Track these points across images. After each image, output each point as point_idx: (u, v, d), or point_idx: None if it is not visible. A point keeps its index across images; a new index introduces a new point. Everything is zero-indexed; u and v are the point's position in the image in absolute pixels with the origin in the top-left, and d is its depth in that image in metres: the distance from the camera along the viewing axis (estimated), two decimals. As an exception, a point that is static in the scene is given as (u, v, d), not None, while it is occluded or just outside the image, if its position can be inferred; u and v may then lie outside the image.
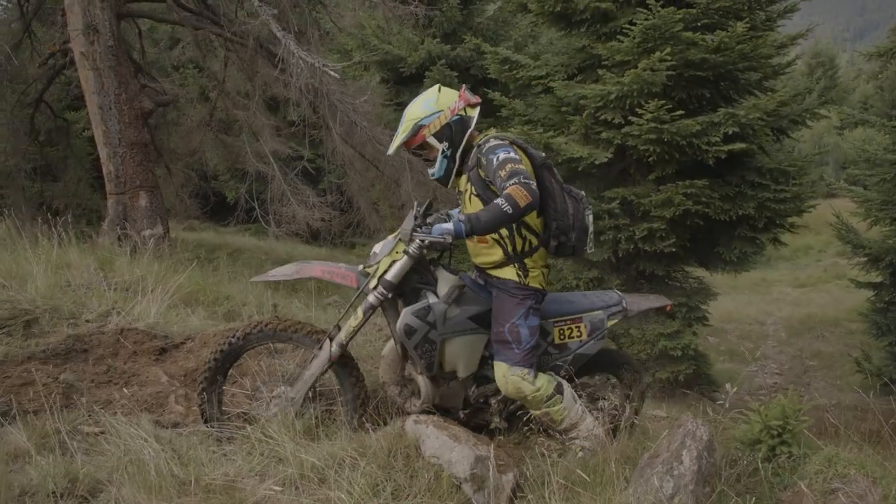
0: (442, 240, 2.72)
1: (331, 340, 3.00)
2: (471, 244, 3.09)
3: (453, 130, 3.00)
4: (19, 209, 9.00)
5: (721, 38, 6.00)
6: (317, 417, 2.92)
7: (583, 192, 3.17)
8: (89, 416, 2.83)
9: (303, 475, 2.42)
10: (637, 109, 6.14)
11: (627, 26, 6.37)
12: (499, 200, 2.69)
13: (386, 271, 2.93)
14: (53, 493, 2.17)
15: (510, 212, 2.66)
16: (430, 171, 3.11)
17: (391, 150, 3.12)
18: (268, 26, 6.69)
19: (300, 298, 7.31)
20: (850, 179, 16.57)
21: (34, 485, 2.19)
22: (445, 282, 3.02)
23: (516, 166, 2.75)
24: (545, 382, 2.95)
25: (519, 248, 3.01)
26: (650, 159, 6.48)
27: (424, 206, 3.09)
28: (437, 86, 3.15)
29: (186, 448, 2.53)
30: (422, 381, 3.04)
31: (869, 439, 3.85)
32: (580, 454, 2.90)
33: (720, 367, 10.14)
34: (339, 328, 3.04)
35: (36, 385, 3.08)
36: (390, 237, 3.06)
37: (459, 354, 3.02)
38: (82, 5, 7.53)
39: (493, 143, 2.92)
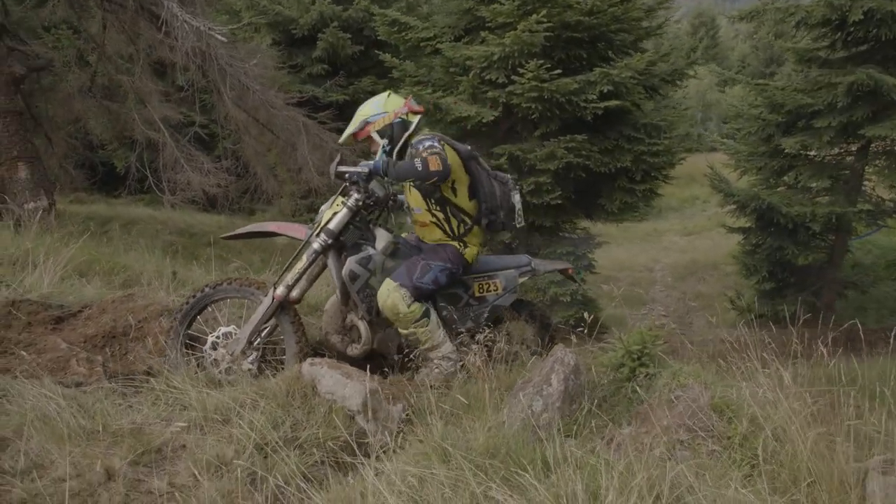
0: (362, 169, 3.26)
1: (276, 287, 3.35)
2: (416, 228, 3.66)
3: (394, 130, 3.54)
4: None
5: (594, 2, 6.41)
6: (261, 368, 3.24)
7: (509, 176, 3.71)
8: (-12, 381, 2.88)
9: (207, 417, 2.62)
10: (519, 69, 6.49)
11: (508, -11, 6.66)
12: (416, 160, 3.23)
13: (328, 221, 3.37)
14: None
15: (419, 169, 3.18)
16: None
17: (341, 139, 3.69)
18: (148, -13, 6.48)
19: (201, 265, 7.30)
20: (726, 134, 17.82)
21: (-61, 444, 2.29)
22: (382, 238, 3.51)
23: (437, 150, 3.28)
24: (417, 307, 3.36)
25: (456, 228, 3.55)
26: (534, 117, 6.88)
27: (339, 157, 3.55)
28: (388, 91, 3.71)
29: (92, 402, 2.66)
30: (362, 325, 3.47)
31: (722, 359, 4.46)
32: (436, 371, 3.39)
33: (612, 312, 10.91)
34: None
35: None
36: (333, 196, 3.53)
37: None
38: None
39: (421, 137, 3.45)
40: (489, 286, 3.71)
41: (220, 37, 6.43)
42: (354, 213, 3.40)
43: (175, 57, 7.23)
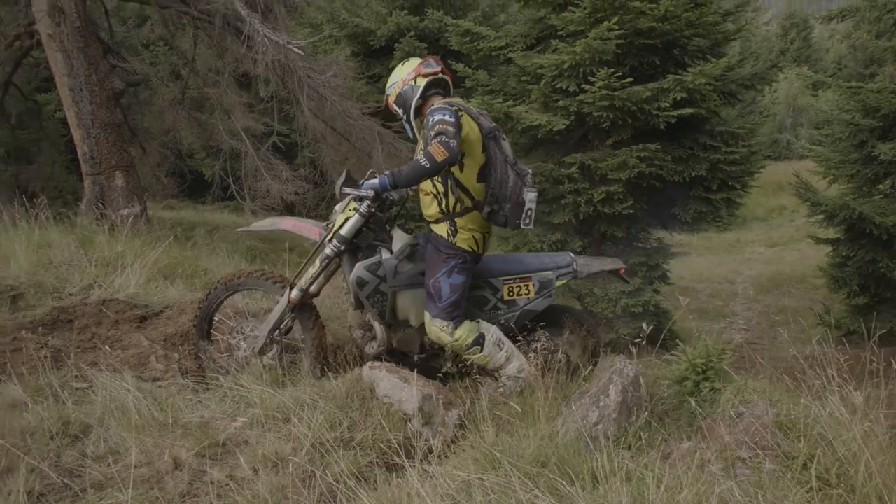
0: (366, 193, 3.10)
1: (291, 288, 3.38)
2: (420, 195, 3.38)
3: (405, 99, 3.35)
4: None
5: (666, 7, 6.27)
6: (281, 361, 3.32)
7: (529, 170, 3.32)
8: (77, 373, 3.15)
9: (269, 415, 2.76)
10: (590, 77, 6.44)
11: (579, -2, 6.63)
12: (420, 156, 2.98)
13: (340, 227, 3.28)
14: (50, 433, 2.51)
15: (427, 166, 2.93)
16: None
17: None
18: (233, 4, 6.84)
19: (276, 268, 7.61)
20: (813, 140, 16.97)
21: (33, 426, 2.54)
22: (399, 240, 3.36)
23: (445, 127, 2.98)
24: (465, 332, 3.23)
25: (451, 206, 3.24)
26: (605, 125, 6.80)
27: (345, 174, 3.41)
28: (404, 59, 3.52)
29: (166, 397, 2.86)
30: (378, 327, 3.40)
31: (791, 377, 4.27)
32: (500, 389, 3.27)
33: (689, 325, 10.57)
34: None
35: (26, 350, 3.39)
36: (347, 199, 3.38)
37: (411, 305, 3.36)
38: (45, -14, 7.54)
39: (437, 106, 3.14)
40: (520, 289, 3.43)
41: (297, 50, 6.71)
42: (367, 218, 3.26)
43: (257, 70, 7.59)
